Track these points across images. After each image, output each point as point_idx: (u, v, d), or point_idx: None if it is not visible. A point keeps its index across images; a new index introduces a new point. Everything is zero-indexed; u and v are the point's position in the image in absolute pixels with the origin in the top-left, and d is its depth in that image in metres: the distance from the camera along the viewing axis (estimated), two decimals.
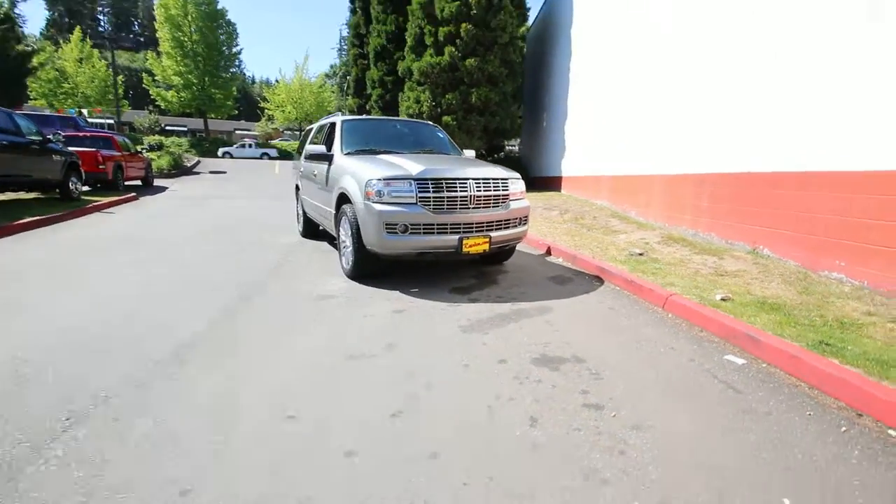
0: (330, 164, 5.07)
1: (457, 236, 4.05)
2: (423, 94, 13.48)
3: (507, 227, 4.40)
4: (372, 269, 4.37)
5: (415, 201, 3.99)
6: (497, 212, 4.30)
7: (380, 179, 4.00)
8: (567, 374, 2.53)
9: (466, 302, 3.85)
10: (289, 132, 45.70)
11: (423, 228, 3.99)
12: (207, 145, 28.97)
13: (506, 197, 4.41)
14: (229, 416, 2.04)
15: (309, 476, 1.66)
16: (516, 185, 4.54)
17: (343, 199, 4.53)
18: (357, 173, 4.32)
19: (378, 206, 3.95)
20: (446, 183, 4.07)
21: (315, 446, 1.84)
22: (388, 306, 3.67)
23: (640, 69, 7.81)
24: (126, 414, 2.03)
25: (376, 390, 2.31)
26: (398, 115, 14.68)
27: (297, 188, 7.13)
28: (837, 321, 3.15)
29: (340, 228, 4.68)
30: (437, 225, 4.01)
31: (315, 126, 6.91)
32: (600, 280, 4.58)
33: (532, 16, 15.65)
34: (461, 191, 4.11)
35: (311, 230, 6.77)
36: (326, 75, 44.50)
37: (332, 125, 5.77)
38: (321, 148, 5.17)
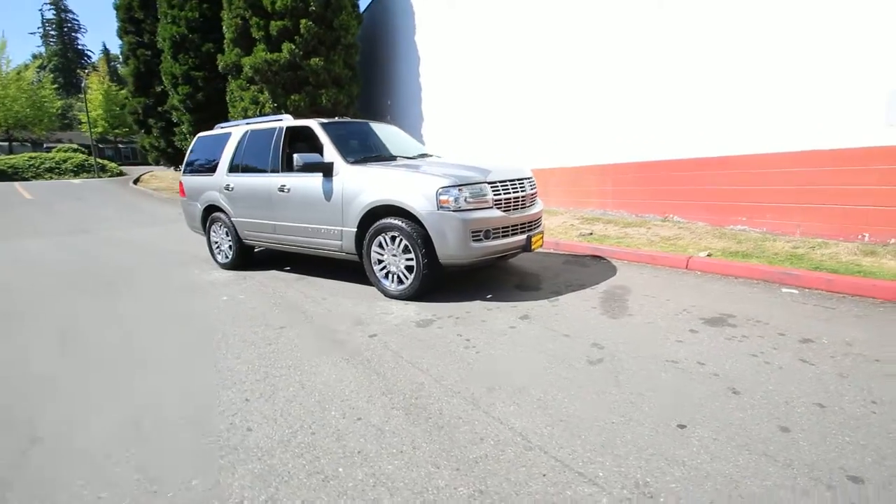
0: (328, 176, 4.33)
1: (525, 235, 4.14)
2: (263, 95, 11.94)
3: (541, 221, 4.68)
4: (436, 284, 4.04)
5: (491, 205, 3.90)
6: (538, 207, 4.54)
7: (453, 186, 3.75)
8: (744, 326, 3.08)
9: (555, 295, 4.00)
10: None
11: (502, 231, 3.94)
12: None
13: (536, 193, 4.68)
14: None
15: (747, 447, 1.76)
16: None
17: (384, 211, 4.01)
18: (410, 182, 3.91)
19: (460, 214, 3.70)
20: (511, 184, 4.10)
21: (750, 421, 1.90)
22: (506, 316, 3.53)
23: (528, 76, 8.89)
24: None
25: (670, 382, 2.40)
26: (227, 117, 12.63)
27: (213, 210, 5.63)
28: (789, 255, 4.62)
29: (373, 248, 4.11)
30: (512, 226, 4.02)
31: (230, 134, 5.57)
32: (602, 258, 5.32)
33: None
34: (520, 190, 4.20)
35: (245, 258, 5.55)
36: (38, 67, 33.64)
37: (299, 130, 4.90)
38: (314, 157, 4.34)
